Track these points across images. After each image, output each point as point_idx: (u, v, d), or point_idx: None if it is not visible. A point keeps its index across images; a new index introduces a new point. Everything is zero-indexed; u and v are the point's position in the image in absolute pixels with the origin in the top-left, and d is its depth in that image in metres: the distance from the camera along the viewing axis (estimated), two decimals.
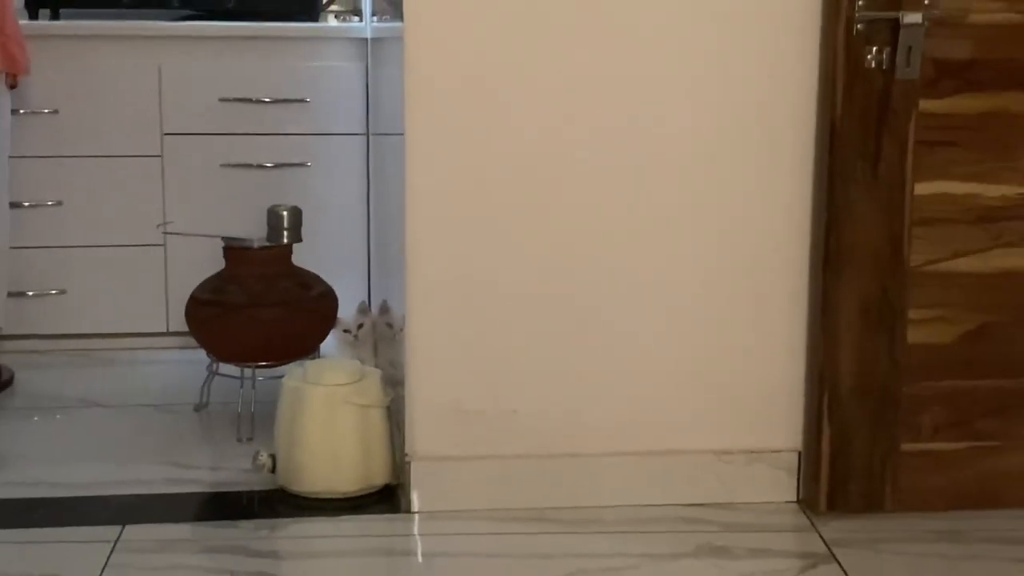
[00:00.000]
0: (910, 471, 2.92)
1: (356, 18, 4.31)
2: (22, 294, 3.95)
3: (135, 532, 2.83)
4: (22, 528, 2.87)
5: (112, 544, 2.77)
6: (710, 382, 2.96)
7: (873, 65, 2.76)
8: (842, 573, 2.70)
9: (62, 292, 4.05)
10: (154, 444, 3.34)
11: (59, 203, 4.02)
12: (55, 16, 4.16)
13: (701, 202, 2.89)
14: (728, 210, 2.90)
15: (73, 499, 3.01)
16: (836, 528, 2.87)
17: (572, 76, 2.83)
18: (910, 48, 2.73)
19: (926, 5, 2.72)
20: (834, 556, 2.77)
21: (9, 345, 3.90)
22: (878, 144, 2.80)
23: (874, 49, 2.75)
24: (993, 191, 2.84)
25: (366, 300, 3.85)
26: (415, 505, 2.94)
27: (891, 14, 2.72)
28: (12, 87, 3.69)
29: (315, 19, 4.21)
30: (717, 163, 2.88)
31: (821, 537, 2.84)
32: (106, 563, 2.69)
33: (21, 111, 3.86)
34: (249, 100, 4.02)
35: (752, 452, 2.99)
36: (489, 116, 2.84)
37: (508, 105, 2.83)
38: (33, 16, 4.13)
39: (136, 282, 4.05)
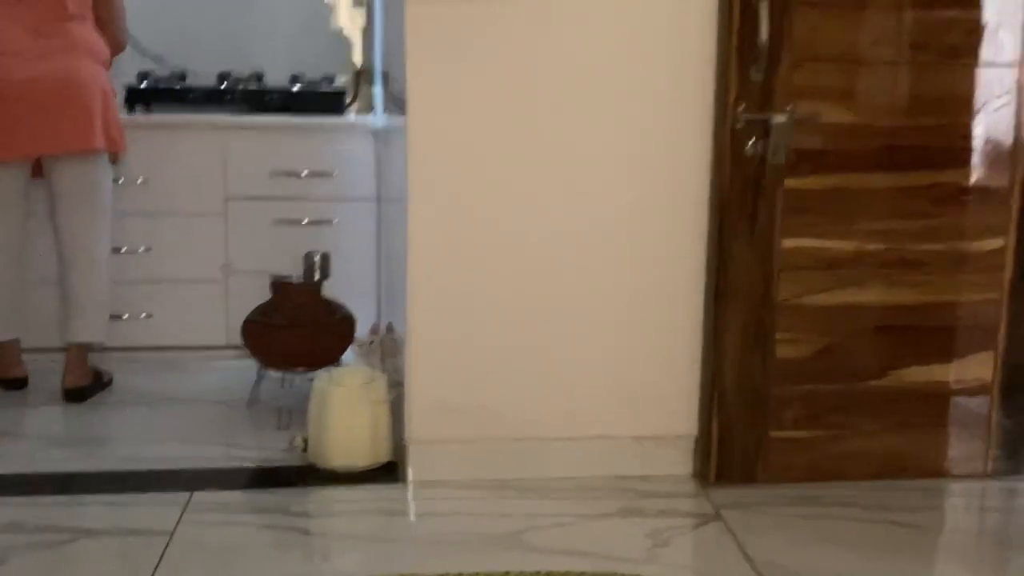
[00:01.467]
0: (777, 452, 2.93)
1: (371, 113, 4.32)
2: (119, 317, 3.92)
3: (201, 497, 2.83)
4: (115, 493, 2.86)
5: (183, 506, 2.77)
6: (630, 385, 2.97)
7: (751, 153, 2.78)
8: (726, 528, 2.71)
9: (149, 315, 4.02)
10: (215, 430, 3.32)
11: (148, 249, 3.99)
12: (148, 110, 4.15)
13: (626, 250, 2.90)
14: (645, 256, 2.91)
15: (154, 471, 3.00)
16: (722, 495, 2.88)
17: (535, 159, 2.84)
18: (778, 141, 2.76)
19: (789, 110, 2.76)
20: (720, 516, 2.78)
21: (110, 355, 3.87)
22: (755, 210, 2.82)
23: (752, 141, 2.77)
24: (836, 246, 2.86)
25: (377, 322, 3.84)
26: (411, 477, 2.94)
27: (764, 116, 2.76)
28: (114, 162, 3.68)
29: (341, 114, 4.21)
30: (637, 223, 2.90)
31: (710, 502, 2.85)
32: (179, 519, 2.69)
33: (120, 180, 3.84)
34: (291, 173, 4.02)
35: (660, 437, 2.99)
36: (470, 187, 2.84)
37: (484, 180, 2.85)
38: (131, 110, 4.11)
39: (204, 308, 4.02)
